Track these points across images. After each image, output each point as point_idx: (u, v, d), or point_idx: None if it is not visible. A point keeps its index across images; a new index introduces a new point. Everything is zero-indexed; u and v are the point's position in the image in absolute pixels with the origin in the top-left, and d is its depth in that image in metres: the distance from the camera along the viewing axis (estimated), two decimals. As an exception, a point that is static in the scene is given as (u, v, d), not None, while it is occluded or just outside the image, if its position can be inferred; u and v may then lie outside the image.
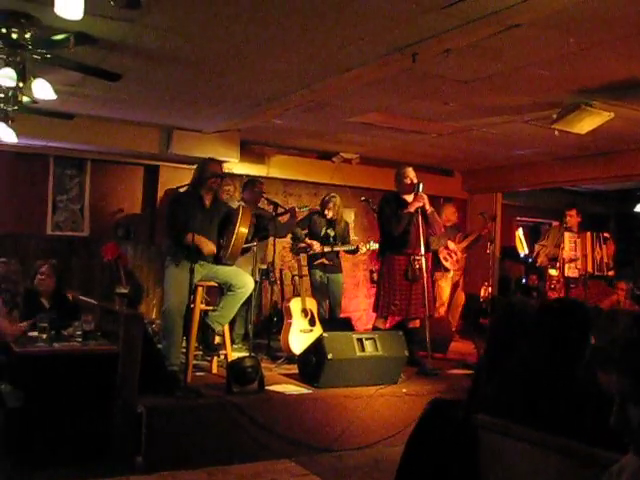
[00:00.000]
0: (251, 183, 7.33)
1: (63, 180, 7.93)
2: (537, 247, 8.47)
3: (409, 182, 6.31)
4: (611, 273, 8.00)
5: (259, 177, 8.33)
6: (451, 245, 8.45)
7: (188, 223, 5.22)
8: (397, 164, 8.82)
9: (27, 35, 4.09)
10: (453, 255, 8.44)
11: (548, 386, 2.25)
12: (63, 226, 7.91)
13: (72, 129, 6.87)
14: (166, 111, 6.76)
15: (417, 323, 6.45)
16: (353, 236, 8.39)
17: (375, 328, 6.39)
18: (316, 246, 7.17)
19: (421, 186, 6.22)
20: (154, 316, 7.58)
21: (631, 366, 1.19)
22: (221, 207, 5.70)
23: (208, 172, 5.49)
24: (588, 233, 8.01)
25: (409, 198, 6.31)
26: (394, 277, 6.30)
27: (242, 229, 5.48)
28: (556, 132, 6.07)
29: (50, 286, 5.49)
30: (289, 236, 7.50)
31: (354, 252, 7.40)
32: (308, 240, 7.22)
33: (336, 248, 7.25)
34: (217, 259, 5.54)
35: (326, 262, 7.24)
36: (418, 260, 6.21)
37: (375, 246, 7.05)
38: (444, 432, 2.31)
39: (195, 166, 5.82)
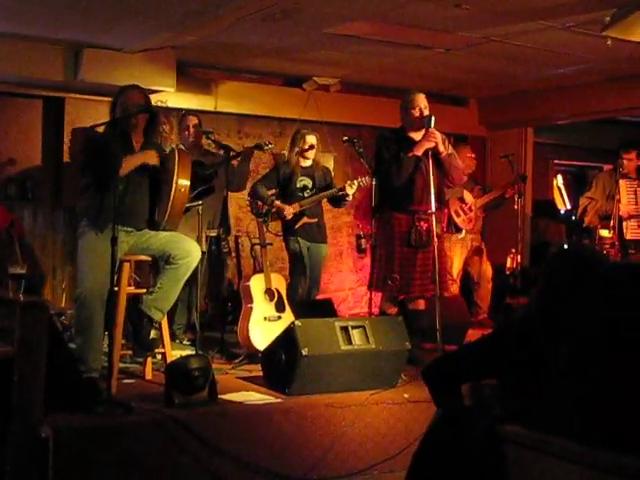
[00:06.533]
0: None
1: None
2: (583, 200, 8.49)
3: (418, 114, 6.26)
4: None
5: (204, 112, 8.27)
6: (468, 197, 8.44)
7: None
8: (390, 91, 8.84)
9: None
10: (467, 210, 8.43)
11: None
12: None
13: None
14: (72, 22, 6.65)
15: (421, 304, 6.47)
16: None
17: (382, 313, 6.42)
18: (288, 210, 7.16)
19: (433, 120, 6.18)
20: (64, 304, 7.58)
21: None
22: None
23: (130, 104, 5.41)
24: (652, 179, 8.06)
25: (417, 136, 6.28)
26: (392, 242, 6.32)
27: (182, 180, 5.43)
28: (609, 42, 6.06)
29: None
30: (246, 192, 7.51)
31: (340, 200, 7.36)
32: (278, 203, 7.23)
33: (314, 198, 7.29)
34: (153, 224, 5.52)
35: (309, 221, 7.28)
36: (425, 220, 6.21)
37: (365, 181, 7.02)
38: (459, 450, 2.31)
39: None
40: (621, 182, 7.94)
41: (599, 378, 2.31)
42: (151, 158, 5.44)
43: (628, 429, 2.16)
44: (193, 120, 7.21)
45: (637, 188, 8.01)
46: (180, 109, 8.12)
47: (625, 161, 8.03)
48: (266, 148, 7.27)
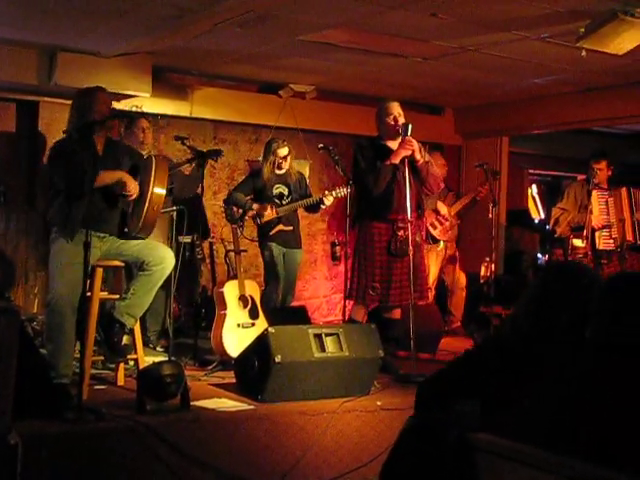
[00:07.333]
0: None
1: None
2: (555, 211, 8.44)
3: (392, 122, 6.28)
4: None
5: (179, 117, 8.25)
6: (442, 209, 8.46)
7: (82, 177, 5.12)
8: (367, 99, 8.84)
9: None
10: (443, 221, 8.45)
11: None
12: None
13: None
14: (47, 25, 6.61)
15: (397, 313, 6.47)
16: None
17: (351, 320, 6.40)
18: (268, 210, 7.17)
19: (410, 128, 6.19)
20: (35, 310, 7.53)
21: None
22: (119, 150, 5.61)
23: (100, 106, 5.34)
24: (623, 189, 8.05)
25: (394, 144, 6.30)
26: (373, 251, 6.32)
27: (158, 190, 5.40)
28: (583, 53, 6.06)
29: None
30: (220, 199, 7.51)
31: (317, 207, 7.39)
32: (256, 205, 7.25)
33: (291, 205, 7.32)
34: (124, 233, 5.49)
35: (285, 229, 7.29)
36: (405, 228, 6.20)
37: (342, 192, 7.00)
38: (430, 459, 2.30)
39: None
40: (593, 193, 7.90)
41: (582, 383, 2.31)
42: (117, 178, 5.33)
43: (615, 433, 2.15)
44: (144, 123, 7.12)
45: (608, 198, 8.01)
46: (156, 114, 8.09)
47: (597, 171, 8.02)
48: (219, 157, 7.18)
